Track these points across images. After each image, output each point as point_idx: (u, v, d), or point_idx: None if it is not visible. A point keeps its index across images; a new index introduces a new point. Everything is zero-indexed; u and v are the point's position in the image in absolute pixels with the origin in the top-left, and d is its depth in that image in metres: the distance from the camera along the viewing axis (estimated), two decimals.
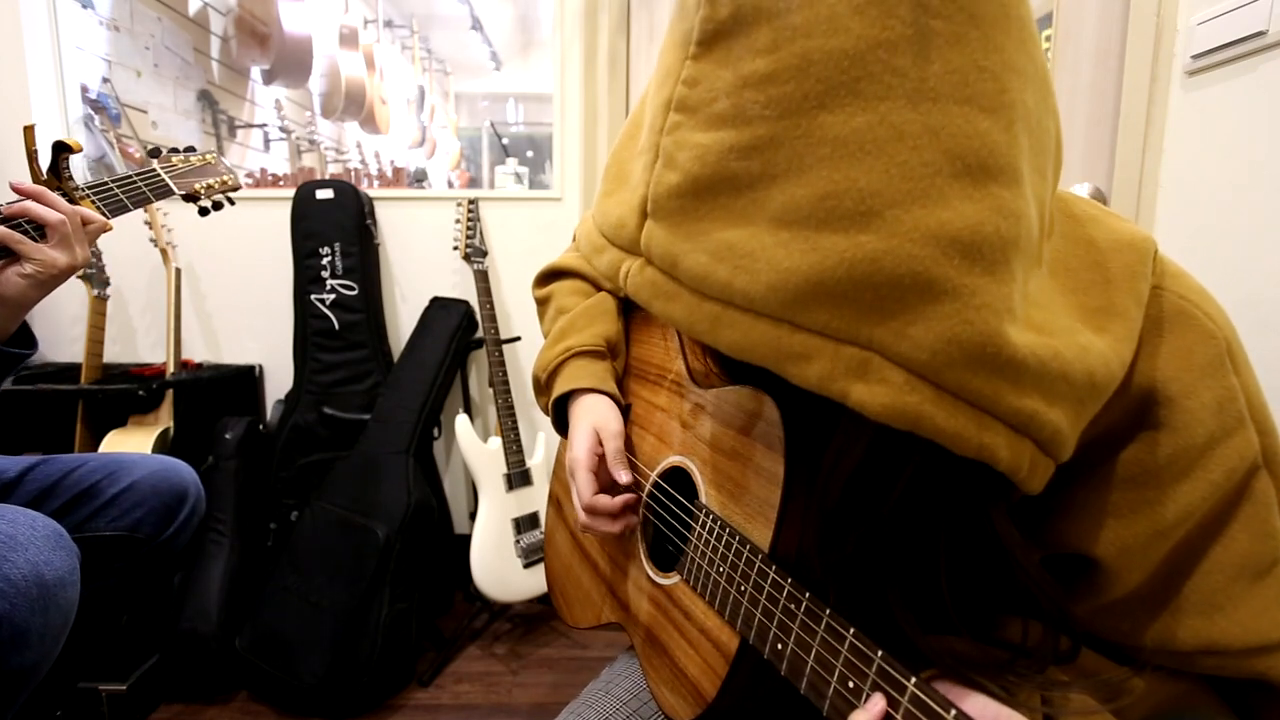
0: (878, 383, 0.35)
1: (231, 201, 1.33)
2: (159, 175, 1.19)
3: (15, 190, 0.95)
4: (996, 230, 0.34)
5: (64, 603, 0.86)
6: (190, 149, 1.30)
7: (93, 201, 1.05)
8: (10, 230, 0.91)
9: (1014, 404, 0.35)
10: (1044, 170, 0.39)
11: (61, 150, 1.03)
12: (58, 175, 1.04)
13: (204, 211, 1.29)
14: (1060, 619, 0.44)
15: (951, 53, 0.33)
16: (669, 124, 0.39)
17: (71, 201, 1.00)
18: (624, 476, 0.74)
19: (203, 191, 1.27)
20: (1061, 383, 0.36)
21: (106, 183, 1.09)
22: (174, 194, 1.21)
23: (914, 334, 0.34)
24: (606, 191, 0.48)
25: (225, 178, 1.31)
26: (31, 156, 1.03)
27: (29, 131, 1.03)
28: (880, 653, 0.41)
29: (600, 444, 0.76)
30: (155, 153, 1.24)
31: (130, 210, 1.11)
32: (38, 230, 0.94)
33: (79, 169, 2.04)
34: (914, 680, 0.39)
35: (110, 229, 1.04)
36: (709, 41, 0.37)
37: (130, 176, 1.13)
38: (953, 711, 0.36)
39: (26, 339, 1.02)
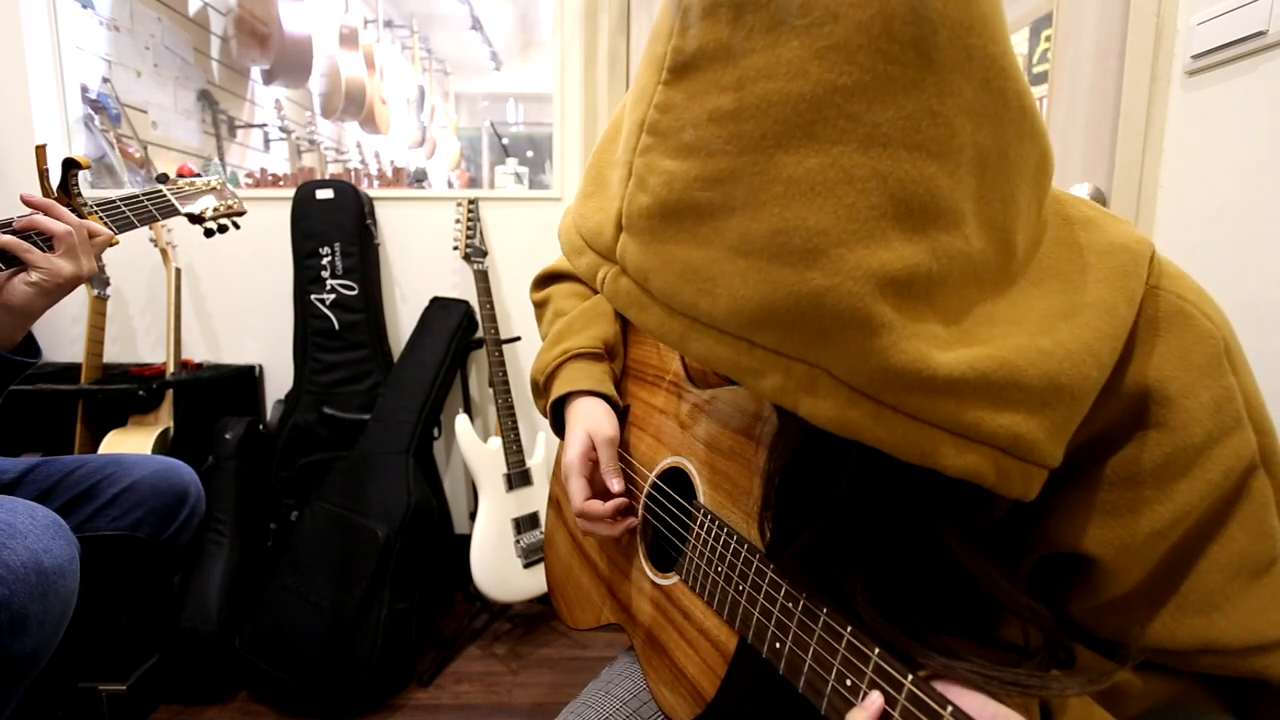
0: (824, 398, 0.37)
1: (237, 226, 1.36)
2: (165, 196, 1.22)
3: (25, 203, 0.99)
4: (929, 271, 0.36)
5: (63, 590, 0.87)
6: (197, 175, 1.35)
7: (100, 217, 1.09)
8: (19, 240, 0.94)
9: (955, 415, 0.37)
10: (1010, 197, 0.40)
11: (71, 167, 1.07)
12: (67, 192, 1.08)
13: (209, 233, 1.33)
14: (1042, 628, 0.44)
15: (905, 99, 0.35)
16: (642, 145, 0.40)
17: (79, 216, 1.03)
18: (616, 485, 0.75)
19: (208, 214, 1.30)
20: (1012, 389, 0.37)
21: (114, 201, 1.12)
22: (179, 214, 1.25)
23: (853, 362, 0.36)
24: (586, 193, 0.49)
25: (230, 203, 1.35)
26: (43, 175, 1.08)
27: (40, 151, 1.07)
28: (877, 650, 0.41)
29: (594, 449, 0.77)
30: (163, 178, 1.27)
31: (136, 227, 1.15)
32: (46, 242, 0.97)
33: None
34: (911, 678, 0.39)
35: (116, 243, 1.08)
36: (679, 71, 0.38)
37: (137, 196, 1.17)
38: (949, 708, 0.36)
39: (31, 348, 1.04)
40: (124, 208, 1.13)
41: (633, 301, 0.43)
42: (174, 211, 1.23)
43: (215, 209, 1.31)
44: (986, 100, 0.37)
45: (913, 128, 0.35)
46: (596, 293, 0.92)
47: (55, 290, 0.97)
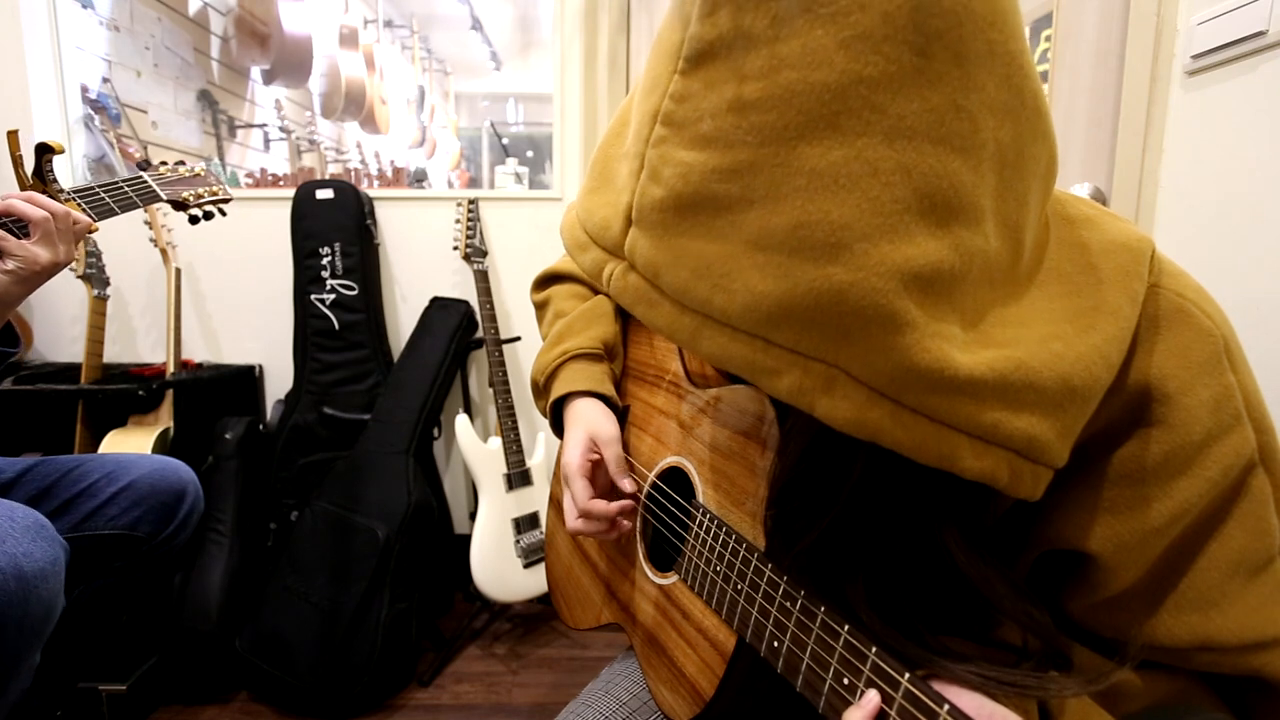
0: (842, 398, 0.37)
1: (223, 213, 1.34)
2: (146, 182, 1.19)
3: None
4: (952, 268, 0.35)
5: (45, 594, 0.85)
6: (180, 162, 1.32)
7: (78, 204, 1.05)
8: None
9: (975, 417, 0.37)
10: (1024, 196, 0.39)
11: (44, 152, 1.04)
12: (42, 178, 1.05)
13: (194, 220, 1.30)
14: (1039, 635, 0.44)
15: (930, 92, 0.34)
16: (655, 136, 0.39)
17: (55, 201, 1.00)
18: (627, 484, 0.74)
19: (192, 199, 1.27)
20: (1028, 391, 0.37)
21: (93, 187, 1.09)
22: (161, 200, 1.21)
23: (874, 361, 0.35)
24: (591, 188, 0.48)
25: (215, 189, 1.32)
26: (17, 161, 1.04)
27: (13, 136, 1.04)
28: (874, 649, 0.41)
29: (594, 449, 0.76)
30: (145, 165, 1.25)
31: (117, 214, 1.12)
32: (22, 229, 0.94)
33: (80, 168, 2.05)
34: (908, 676, 0.39)
35: (96, 230, 1.05)
36: (697, 59, 0.37)
37: (117, 182, 1.14)
38: (946, 707, 0.36)
39: (10, 337, 1.03)
40: (104, 194, 1.10)
41: (641, 298, 0.42)
42: (156, 198, 1.20)
43: (199, 195, 1.28)
44: (1007, 97, 0.36)
45: (937, 121, 0.34)
46: (598, 293, 0.92)
47: (32, 278, 0.94)
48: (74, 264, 1.01)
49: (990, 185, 0.37)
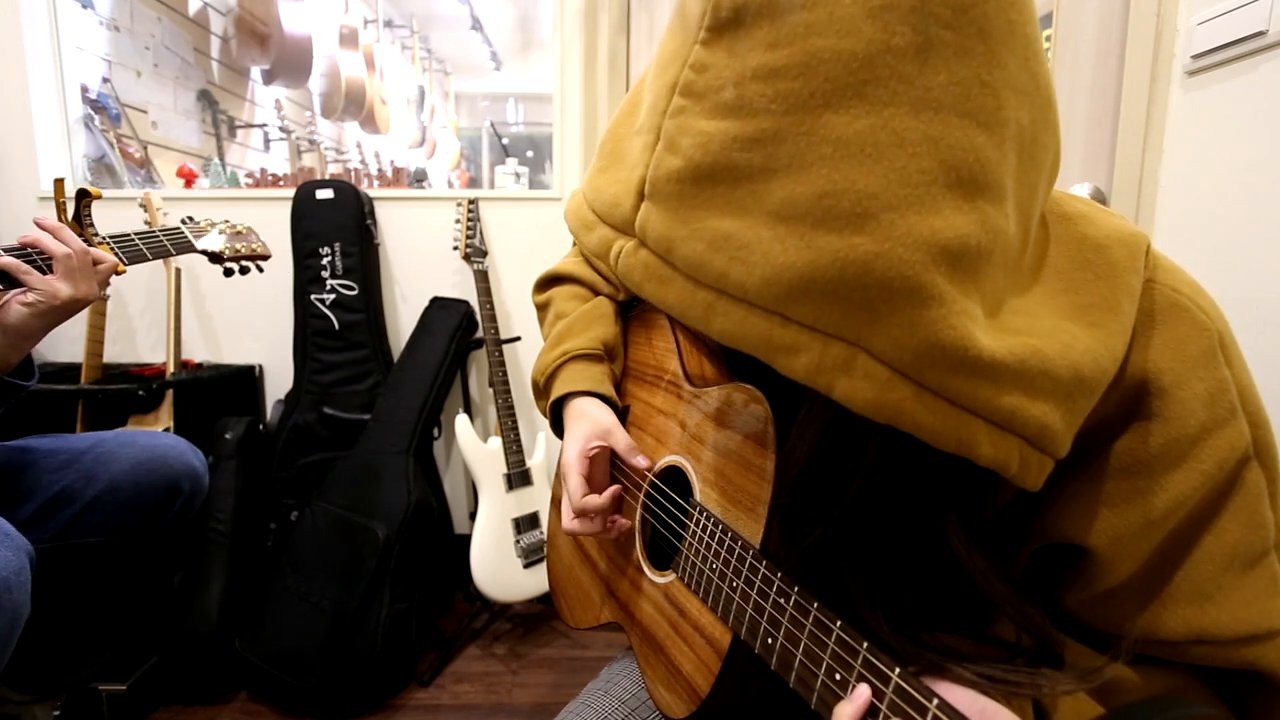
0: (862, 379, 0.36)
1: (260, 269, 1.37)
2: (183, 234, 1.23)
3: (37, 225, 0.98)
4: (979, 243, 0.35)
5: (8, 605, 0.81)
6: (226, 221, 1.35)
7: (111, 248, 1.08)
8: (17, 260, 0.93)
9: (993, 401, 0.36)
10: (1035, 185, 0.39)
11: (83, 197, 1.08)
12: (80, 222, 1.09)
13: (229, 273, 1.33)
14: (1034, 633, 0.44)
15: (957, 65, 0.34)
16: (673, 107, 0.39)
17: (89, 245, 1.02)
18: (641, 461, 0.73)
19: (228, 253, 1.30)
20: (1043, 379, 0.37)
21: (129, 235, 1.12)
22: (195, 251, 1.25)
23: (899, 336, 0.35)
24: (600, 168, 0.48)
25: (255, 246, 1.35)
26: (60, 206, 1.10)
27: (59, 184, 1.10)
28: (866, 644, 0.41)
29: (593, 446, 0.76)
30: (188, 220, 1.29)
31: (149, 260, 1.15)
32: (47, 263, 0.96)
33: (80, 168, 2.05)
34: (898, 671, 0.39)
35: (123, 271, 1.07)
36: (720, 28, 0.37)
37: (154, 232, 1.17)
38: (935, 701, 0.36)
39: (27, 371, 1.03)
40: (138, 241, 1.13)
41: (652, 275, 0.41)
42: (190, 248, 1.23)
43: (236, 250, 1.31)
44: (1025, 79, 0.36)
45: (964, 94, 0.34)
46: (600, 295, 0.92)
47: (50, 313, 0.95)
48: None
49: (1011, 165, 0.36)
